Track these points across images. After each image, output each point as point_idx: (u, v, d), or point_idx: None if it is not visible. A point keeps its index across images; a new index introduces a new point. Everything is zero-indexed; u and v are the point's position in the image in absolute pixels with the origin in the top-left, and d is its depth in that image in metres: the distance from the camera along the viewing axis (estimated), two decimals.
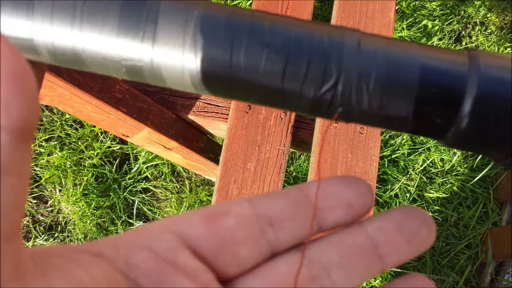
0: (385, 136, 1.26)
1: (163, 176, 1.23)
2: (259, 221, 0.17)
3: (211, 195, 1.21)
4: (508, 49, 1.41)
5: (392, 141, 1.27)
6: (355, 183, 0.18)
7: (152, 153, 1.21)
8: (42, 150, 1.22)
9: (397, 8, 1.42)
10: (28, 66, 0.11)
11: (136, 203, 1.20)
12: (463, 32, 1.45)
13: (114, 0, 0.17)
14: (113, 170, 1.21)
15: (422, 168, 1.26)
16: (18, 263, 0.11)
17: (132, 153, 1.23)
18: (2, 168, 0.11)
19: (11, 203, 0.11)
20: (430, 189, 1.25)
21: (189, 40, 0.17)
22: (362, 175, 0.77)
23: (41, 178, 1.20)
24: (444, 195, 1.25)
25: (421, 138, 1.28)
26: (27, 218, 1.19)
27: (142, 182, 1.22)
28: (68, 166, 1.21)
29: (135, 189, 1.21)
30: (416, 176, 1.25)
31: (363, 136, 0.78)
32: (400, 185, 1.23)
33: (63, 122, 1.25)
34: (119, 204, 1.19)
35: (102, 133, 1.24)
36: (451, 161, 1.27)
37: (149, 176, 1.22)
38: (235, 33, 0.17)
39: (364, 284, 1.13)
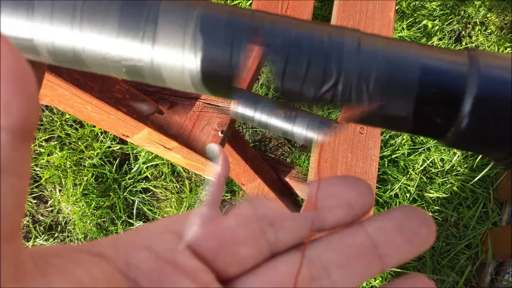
0: (385, 136, 1.26)
1: (163, 176, 1.23)
2: (259, 221, 0.17)
3: None
4: (508, 49, 1.41)
5: (392, 141, 1.27)
6: (355, 183, 0.18)
7: (152, 153, 1.21)
8: (42, 150, 1.22)
9: (397, 8, 1.42)
10: (28, 66, 0.11)
11: (136, 203, 1.20)
12: (463, 32, 1.45)
13: (114, 0, 0.17)
14: (113, 170, 1.21)
15: (422, 168, 1.26)
16: (18, 263, 0.11)
17: (132, 153, 1.23)
18: (2, 168, 0.11)
19: (11, 203, 0.11)
20: (430, 189, 1.25)
21: (189, 40, 0.17)
22: (362, 175, 0.76)
23: (41, 178, 1.20)
24: (444, 195, 1.25)
25: (421, 138, 1.28)
26: (27, 218, 1.19)
27: (142, 182, 1.22)
28: (68, 166, 1.21)
29: (135, 189, 1.21)
30: (416, 176, 1.25)
31: (363, 136, 0.78)
32: (400, 185, 1.23)
33: (63, 122, 1.25)
34: (119, 204, 1.19)
35: (102, 133, 1.24)
36: (451, 161, 1.27)
37: (149, 176, 1.22)
38: (235, 33, 0.17)
39: (364, 284, 1.13)
